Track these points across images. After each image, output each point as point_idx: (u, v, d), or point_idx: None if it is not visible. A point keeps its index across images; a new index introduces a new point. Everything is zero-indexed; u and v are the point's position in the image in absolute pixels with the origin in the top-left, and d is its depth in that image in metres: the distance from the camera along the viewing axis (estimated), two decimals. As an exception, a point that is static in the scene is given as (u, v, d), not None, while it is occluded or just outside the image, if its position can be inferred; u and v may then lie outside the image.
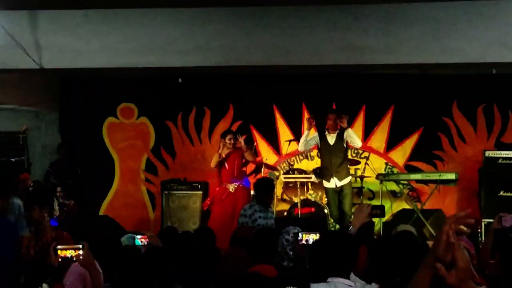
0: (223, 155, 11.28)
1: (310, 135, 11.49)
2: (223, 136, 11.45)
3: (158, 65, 10.50)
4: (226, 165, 11.30)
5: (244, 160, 11.46)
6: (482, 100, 12.72)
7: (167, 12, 10.28)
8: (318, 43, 10.24)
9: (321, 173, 11.56)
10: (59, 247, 4.70)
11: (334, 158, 11.25)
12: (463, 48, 9.96)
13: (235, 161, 11.27)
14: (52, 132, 13.65)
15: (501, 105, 12.67)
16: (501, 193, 11.55)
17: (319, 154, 11.93)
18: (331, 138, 11.31)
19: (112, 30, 10.20)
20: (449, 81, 12.63)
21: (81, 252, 4.61)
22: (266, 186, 9.30)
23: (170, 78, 12.74)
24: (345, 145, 11.33)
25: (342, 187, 11.24)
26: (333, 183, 11.23)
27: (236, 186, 11.23)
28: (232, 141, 11.27)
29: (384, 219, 11.89)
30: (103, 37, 10.21)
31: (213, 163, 11.39)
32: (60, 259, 4.67)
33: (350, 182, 11.39)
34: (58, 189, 12.10)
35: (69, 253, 4.65)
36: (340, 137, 11.27)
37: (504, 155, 11.73)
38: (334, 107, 12.89)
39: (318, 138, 11.42)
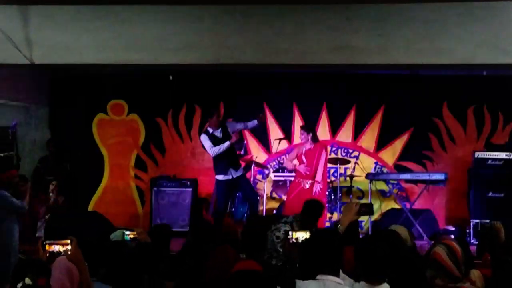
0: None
1: None
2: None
3: (149, 62, 10.47)
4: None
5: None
6: (472, 101, 12.78)
7: (159, 9, 10.26)
8: (310, 43, 10.24)
9: None
10: (47, 242, 4.69)
11: None
12: (454, 49, 9.97)
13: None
14: (42, 128, 13.62)
15: (491, 106, 12.72)
16: (490, 194, 11.60)
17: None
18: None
19: (104, 27, 10.16)
20: (439, 82, 12.67)
21: (69, 247, 4.60)
22: (314, 211, 8.31)
23: (161, 75, 12.76)
24: None
25: None
26: None
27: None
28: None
29: (372, 218, 11.95)
30: (94, 34, 10.17)
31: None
32: (47, 254, 4.66)
33: None
34: (53, 182, 12.07)
35: (57, 248, 4.64)
36: None
37: (494, 156, 11.77)
38: (325, 107, 12.96)
39: None
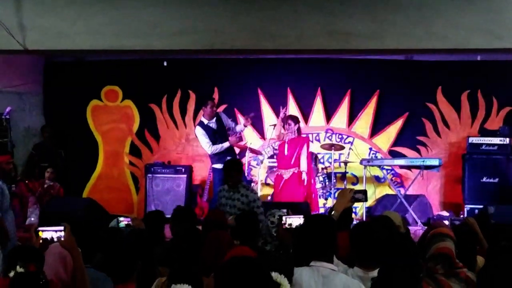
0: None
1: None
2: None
3: (143, 48, 10.43)
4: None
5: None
6: (467, 87, 12.77)
7: (152, -6, 10.23)
8: (304, 28, 10.21)
9: None
10: (40, 228, 4.68)
11: None
12: (448, 34, 9.96)
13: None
14: (36, 114, 13.59)
15: (485, 91, 12.72)
16: (484, 179, 11.63)
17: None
18: None
19: (97, 12, 10.12)
20: (434, 67, 12.67)
21: (62, 233, 4.59)
22: (231, 166, 8.97)
23: (155, 61, 12.73)
24: None
25: None
26: None
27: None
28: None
29: (367, 204, 11.97)
30: (88, 19, 10.12)
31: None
32: (41, 240, 4.65)
33: None
34: (48, 169, 12.07)
35: (50, 235, 4.63)
36: None
37: (488, 142, 11.79)
38: (319, 92, 12.97)
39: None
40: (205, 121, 11.03)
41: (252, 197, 8.68)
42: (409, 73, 12.79)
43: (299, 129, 11.26)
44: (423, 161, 11.85)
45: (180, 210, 7.34)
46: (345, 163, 12.42)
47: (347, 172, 12.53)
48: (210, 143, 10.84)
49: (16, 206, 10.73)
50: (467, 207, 11.55)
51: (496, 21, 9.74)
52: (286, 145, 11.12)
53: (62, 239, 4.58)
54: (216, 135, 10.95)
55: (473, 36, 9.92)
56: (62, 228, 4.61)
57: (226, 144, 10.88)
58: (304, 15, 10.13)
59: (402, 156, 12.76)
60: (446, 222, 9.87)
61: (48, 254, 4.67)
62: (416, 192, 12.36)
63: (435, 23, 9.87)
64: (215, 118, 11.07)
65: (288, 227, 5.68)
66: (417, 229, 10.52)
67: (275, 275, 3.94)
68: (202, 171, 12.90)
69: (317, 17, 10.04)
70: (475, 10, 9.77)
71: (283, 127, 11.32)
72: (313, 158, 11.85)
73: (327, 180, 12.22)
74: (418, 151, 12.88)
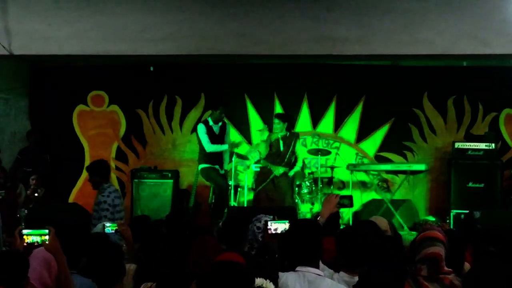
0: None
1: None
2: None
3: (129, 53, 10.43)
4: None
5: None
6: (453, 92, 12.81)
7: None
8: (291, 33, 10.24)
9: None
10: (24, 231, 4.66)
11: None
12: (433, 40, 10.01)
13: None
14: (21, 119, 13.52)
15: (471, 97, 12.76)
16: (470, 184, 11.66)
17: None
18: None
19: (83, 17, 10.11)
20: (420, 73, 12.70)
21: (47, 237, 4.57)
22: (88, 168, 9.45)
23: (142, 66, 12.69)
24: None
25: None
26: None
27: None
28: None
29: (354, 209, 11.97)
30: (74, 24, 10.12)
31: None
32: (25, 244, 4.63)
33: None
34: (33, 177, 12.02)
35: (35, 238, 4.61)
36: None
37: (473, 147, 11.82)
38: (306, 97, 12.98)
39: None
40: (210, 123, 11.11)
41: (98, 199, 9.02)
42: (395, 78, 12.81)
43: (289, 126, 11.31)
44: (409, 166, 11.86)
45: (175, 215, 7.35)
46: (332, 168, 12.43)
47: (334, 177, 12.53)
48: (209, 141, 10.97)
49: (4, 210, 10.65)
50: (453, 212, 11.57)
51: (482, 27, 9.81)
52: (280, 142, 11.20)
53: (47, 242, 4.56)
54: (214, 139, 11.01)
55: (458, 41, 9.99)
56: (46, 231, 4.59)
57: (224, 147, 10.99)
58: (291, 21, 10.16)
59: (388, 161, 12.78)
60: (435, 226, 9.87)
61: (32, 258, 4.64)
62: (403, 197, 12.38)
63: (421, 29, 9.93)
64: (220, 124, 11.15)
65: (274, 232, 5.67)
66: (403, 234, 10.51)
67: (260, 280, 3.95)
68: (189, 176, 12.87)
69: (304, 22, 10.08)
70: (460, 16, 9.83)
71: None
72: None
73: (313, 185, 12.21)
74: (405, 156, 12.91)
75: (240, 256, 4.82)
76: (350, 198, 5.93)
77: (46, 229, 4.60)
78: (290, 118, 11.60)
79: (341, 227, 6.92)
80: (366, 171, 12.47)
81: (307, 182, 12.09)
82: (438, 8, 9.87)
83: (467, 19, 9.81)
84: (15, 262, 4.30)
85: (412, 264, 4.77)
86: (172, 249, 5.66)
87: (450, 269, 4.78)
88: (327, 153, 12.60)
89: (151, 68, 12.75)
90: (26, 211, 11.09)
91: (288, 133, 11.23)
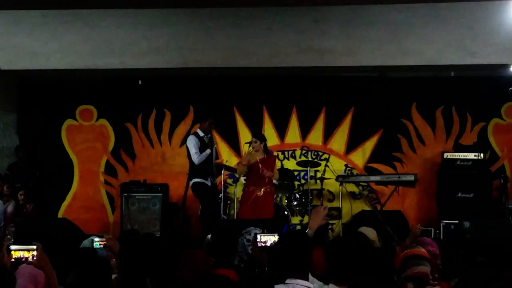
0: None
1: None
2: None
3: (117, 67, 10.43)
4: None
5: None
6: (441, 102, 12.84)
7: (126, 13, 10.22)
8: (278, 45, 10.26)
9: None
10: (12, 247, 4.63)
11: None
12: (421, 50, 10.05)
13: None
14: (10, 134, 13.47)
15: (459, 107, 12.79)
16: (459, 194, 11.67)
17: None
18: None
19: (70, 31, 10.11)
20: (408, 84, 12.74)
21: (35, 252, 4.55)
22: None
23: (130, 80, 12.69)
24: None
25: None
26: None
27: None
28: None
29: (343, 221, 11.95)
30: (61, 38, 10.11)
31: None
32: (12, 259, 4.60)
33: None
34: (21, 192, 11.98)
35: (23, 254, 4.58)
36: None
37: (462, 157, 11.85)
38: (294, 109, 12.99)
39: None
40: (201, 134, 11.06)
41: None
42: (383, 89, 12.84)
43: (266, 147, 11.07)
44: (399, 177, 11.83)
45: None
46: (321, 179, 12.41)
47: (323, 189, 12.51)
48: (198, 153, 10.85)
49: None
50: (443, 222, 11.57)
51: (469, 37, 9.85)
52: (260, 165, 10.93)
53: (34, 258, 4.54)
54: (204, 149, 10.96)
55: (446, 52, 10.03)
56: (34, 247, 4.56)
57: (207, 151, 10.89)
58: (278, 33, 10.18)
59: (377, 172, 12.78)
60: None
61: (18, 274, 4.61)
62: (392, 208, 12.34)
63: (408, 40, 9.97)
64: (209, 135, 11.12)
65: (263, 245, 5.66)
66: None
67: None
68: (179, 190, 12.83)
69: (291, 34, 10.10)
70: (447, 27, 9.87)
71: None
72: (289, 175, 11.88)
73: (303, 197, 12.20)
74: (394, 167, 12.92)
75: (233, 271, 4.81)
76: (338, 210, 5.94)
77: (34, 244, 4.57)
78: (265, 139, 11.33)
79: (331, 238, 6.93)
80: (355, 183, 12.46)
81: (296, 195, 12.08)
82: (424, 19, 9.91)
83: (453, 29, 9.85)
84: (2, 278, 4.27)
85: (399, 278, 4.77)
86: (164, 262, 5.62)
87: (435, 282, 4.79)
88: (316, 164, 12.60)
89: (139, 82, 12.75)
90: (14, 228, 11.07)
91: (265, 156, 10.99)
